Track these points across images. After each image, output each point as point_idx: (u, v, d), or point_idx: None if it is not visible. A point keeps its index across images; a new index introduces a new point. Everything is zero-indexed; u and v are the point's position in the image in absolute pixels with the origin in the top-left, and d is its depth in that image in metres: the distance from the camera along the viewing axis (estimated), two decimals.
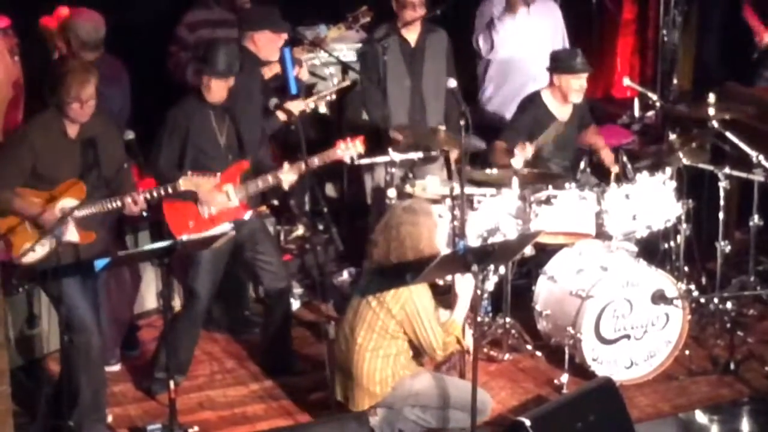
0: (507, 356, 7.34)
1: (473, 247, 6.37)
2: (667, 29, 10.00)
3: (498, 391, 6.99)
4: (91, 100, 6.11)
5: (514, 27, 8.47)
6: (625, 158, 7.85)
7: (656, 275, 7.09)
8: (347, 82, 8.27)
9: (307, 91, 8.14)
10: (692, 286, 7.57)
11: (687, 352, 7.24)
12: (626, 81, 8.71)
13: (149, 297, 7.77)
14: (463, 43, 8.57)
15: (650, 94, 8.37)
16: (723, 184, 7.53)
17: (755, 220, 7.60)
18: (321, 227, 8.15)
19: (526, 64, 8.43)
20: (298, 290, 8.01)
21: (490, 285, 7.33)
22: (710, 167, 7.65)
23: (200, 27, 7.95)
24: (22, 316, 7.09)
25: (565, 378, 6.98)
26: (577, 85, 7.62)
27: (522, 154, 7.30)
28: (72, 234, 6.19)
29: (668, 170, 7.47)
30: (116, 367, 7.16)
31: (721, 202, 7.53)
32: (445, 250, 6.43)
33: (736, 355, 7.25)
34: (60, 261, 6.14)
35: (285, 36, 7.38)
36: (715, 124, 7.52)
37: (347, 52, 8.67)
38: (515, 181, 7.22)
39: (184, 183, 6.41)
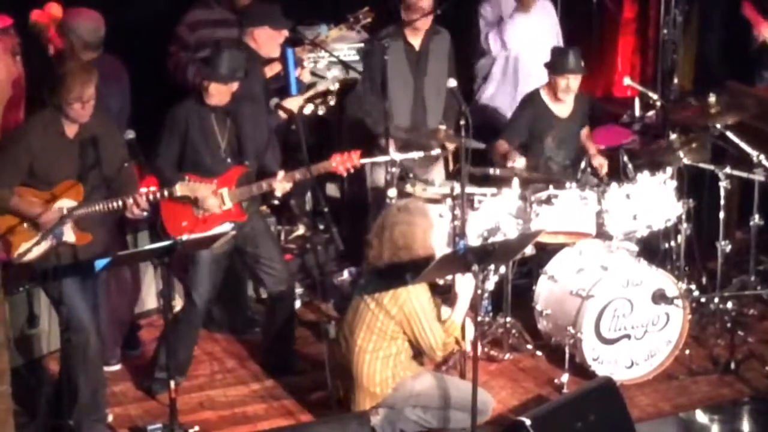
0: (507, 356, 7.34)
1: (474, 247, 6.36)
2: (668, 28, 9.99)
3: (498, 390, 6.99)
4: (92, 100, 6.11)
5: (525, 25, 8.51)
6: (625, 158, 7.84)
7: (657, 275, 7.08)
8: (341, 77, 8.26)
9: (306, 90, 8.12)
10: (693, 286, 7.56)
11: (687, 351, 7.23)
12: (627, 80, 8.72)
13: (149, 297, 7.77)
14: (463, 43, 8.56)
15: (651, 94, 8.38)
16: (724, 184, 7.53)
17: (756, 219, 7.60)
18: (321, 227, 8.15)
19: (533, 62, 8.45)
20: (298, 290, 7.99)
21: (490, 285, 7.32)
22: (711, 167, 7.65)
23: (200, 27, 7.93)
24: (23, 316, 7.08)
25: (565, 378, 6.98)
26: (563, 84, 7.63)
27: (516, 165, 7.34)
28: (68, 235, 6.19)
29: (669, 170, 7.47)
30: (117, 367, 7.16)
31: (722, 202, 7.53)
32: (444, 250, 6.43)
33: (737, 354, 7.25)
34: (60, 261, 6.14)
35: (285, 33, 7.35)
36: (717, 125, 7.53)
37: (348, 51, 8.66)
38: (516, 180, 7.22)
39: (181, 189, 6.43)
